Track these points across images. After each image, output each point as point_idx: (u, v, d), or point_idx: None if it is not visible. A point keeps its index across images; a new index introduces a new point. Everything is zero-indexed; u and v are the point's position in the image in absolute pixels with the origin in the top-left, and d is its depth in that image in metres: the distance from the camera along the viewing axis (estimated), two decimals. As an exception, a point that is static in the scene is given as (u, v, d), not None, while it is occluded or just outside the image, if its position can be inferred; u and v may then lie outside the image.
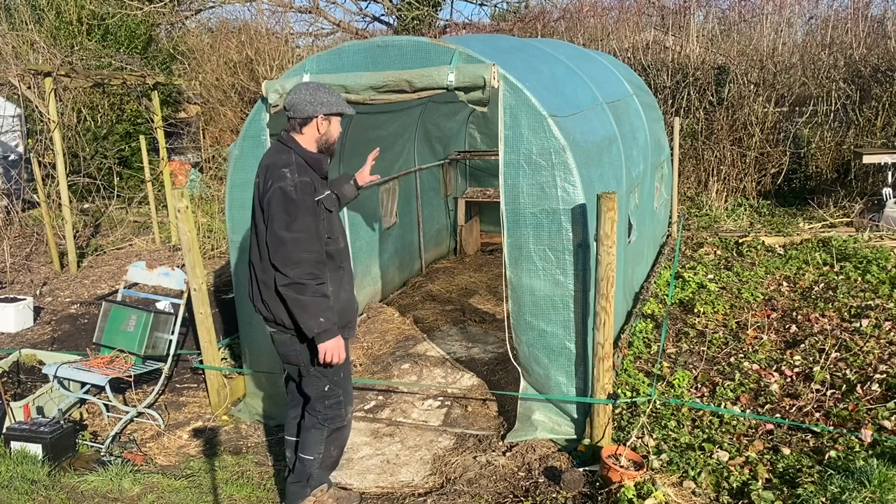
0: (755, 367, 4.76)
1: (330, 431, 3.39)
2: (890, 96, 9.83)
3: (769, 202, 10.01)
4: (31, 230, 9.97)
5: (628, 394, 4.35)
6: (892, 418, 3.88)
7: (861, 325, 5.20)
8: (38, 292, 7.59)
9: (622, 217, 4.81)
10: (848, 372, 4.52)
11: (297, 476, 3.47)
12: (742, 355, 4.98)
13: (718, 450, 3.69)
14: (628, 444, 3.70)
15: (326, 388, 3.32)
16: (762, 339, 5.22)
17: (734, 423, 4.03)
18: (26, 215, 10.44)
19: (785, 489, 3.33)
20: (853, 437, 3.73)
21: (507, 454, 4.02)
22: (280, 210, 2.96)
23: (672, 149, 8.41)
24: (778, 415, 4.11)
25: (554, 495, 3.55)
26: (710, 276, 6.77)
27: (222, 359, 5.00)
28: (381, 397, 4.90)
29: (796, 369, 4.66)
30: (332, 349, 3.07)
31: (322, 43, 15.79)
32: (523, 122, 3.76)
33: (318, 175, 3.15)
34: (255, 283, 3.26)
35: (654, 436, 3.86)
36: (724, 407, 4.21)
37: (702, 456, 3.64)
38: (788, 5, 11.95)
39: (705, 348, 5.13)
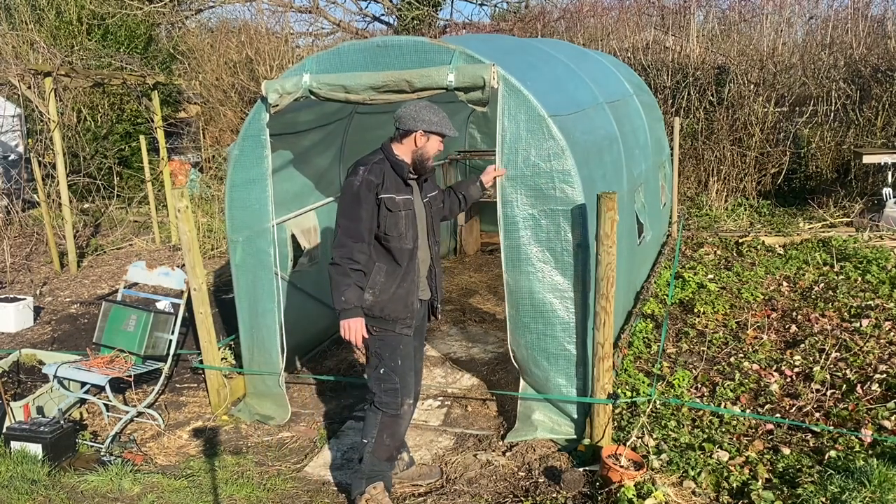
0: (755, 367, 4.76)
1: (383, 417, 3.47)
2: (890, 96, 9.82)
3: (769, 202, 10.00)
4: (31, 230, 9.97)
5: (628, 394, 4.35)
6: (892, 418, 3.88)
7: (861, 325, 5.20)
8: (38, 292, 7.59)
9: (625, 216, 4.81)
10: (848, 372, 4.52)
11: (360, 464, 3.61)
12: (742, 355, 4.98)
13: (718, 450, 3.69)
14: (628, 444, 3.70)
15: (382, 372, 3.46)
16: (762, 339, 5.22)
17: (734, 423, 4.03)
18: (26, 215, 10.44)
19: (785, 489, 3.33)
20: (853, 437, 3.73)
21: (507, 454, 4.02)
22: (343, 200, 3.38)
23: (672, 149, 8.41)
24: (778, 415, 4.11)
25: (554, 495, 3.55)
26: (710, 276, 6.77)
27: (222, 359, 5.00)
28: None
29: (796, 369, 4.66)
30: (349, 327, 3.29)
31: (322, 43, 15.79)
32: (522, 123, 3.75)
33: (401, 178, 3.39)
34: None
35: (654, 436, 3.86)
36: (724, 407, 4.21)
37: (702, 456, 3.64)
38: (788, 5, 11.94)
39: (705, 348, 5.13)
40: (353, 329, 3.29)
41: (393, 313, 3.40)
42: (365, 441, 3.52)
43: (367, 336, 3.35)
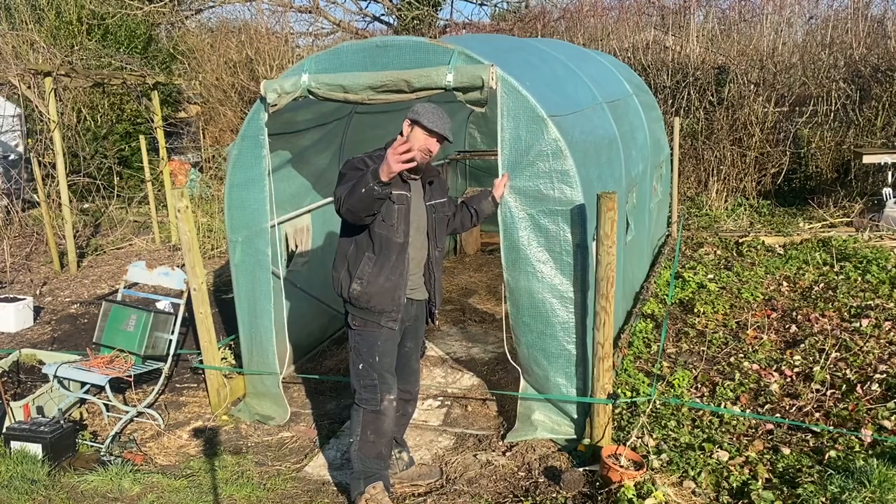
0: (755, 367, 4.76)
1: (364, 414, 3.48)
2: (890, 96, 9.82)
3: (769, 202, 10.01)
4: (31, 230, 9.97)
5: (628, 394, 4.35)
6: (892, 418, 3.88)
7: (861, 325, 5.20)
8: (38, 292, 7.59)
9: (622, 217, 4.81)
10: (848, 372, 4.52)
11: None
12: (742, 355, 4.98)
13: (718, 450, 3.69)
14: (628, 443, 3.70)
15: (360, 367, 3.48)
16: (762, 339, 5.22)
17: (734, 423, 4.03)
18: (26, 215, 10.43)
19: (785, 489, 3.33)
20: (853, 437, 3.73)
21: (507, 454, 4.02)
22: (340, 174, 3.39)
23: (672, 149, 8.41)
24: (778, 415, 4.11)
25: (554, 495, 3.55)
26: (710, 276, 6.77)
27: (222, 359, 5.00)
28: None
29: (796, 369, 4.66)
30: (392, 151, 3.00)
31: (322, 43, 15.78)
32: (522, 123, 3.75)
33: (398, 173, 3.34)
34: (335, 258, 3.59)
35: (654, 436, 3.86)
36: (724, 407, 4.21)
37: (702, 456, 3.64)
38: (788, 5, 11.93)
39: (705, 348, 5.13)
40: (396, 147, 2.98)
41: (379, 305, 3.41)
42: (351, 439, 3.54)
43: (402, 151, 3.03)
